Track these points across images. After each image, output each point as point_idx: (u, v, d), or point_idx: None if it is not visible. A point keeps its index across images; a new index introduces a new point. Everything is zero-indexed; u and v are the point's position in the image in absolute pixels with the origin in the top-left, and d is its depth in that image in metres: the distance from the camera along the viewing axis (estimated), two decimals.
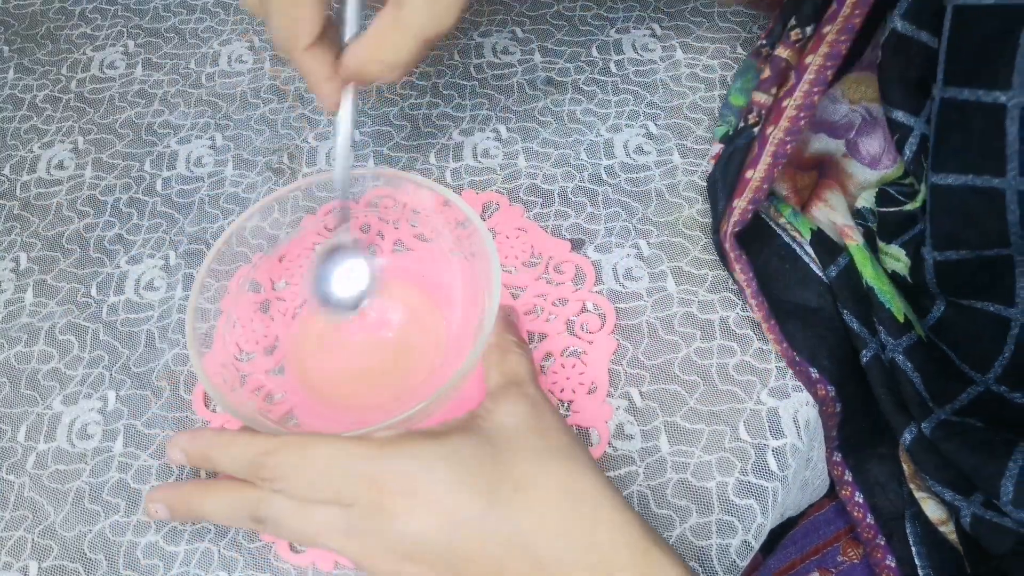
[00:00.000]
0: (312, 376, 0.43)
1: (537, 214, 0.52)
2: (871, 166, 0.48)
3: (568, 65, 0.60)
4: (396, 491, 0.32)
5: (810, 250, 0.47)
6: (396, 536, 0.32)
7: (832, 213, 0.48)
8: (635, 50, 0.61)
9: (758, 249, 0.48)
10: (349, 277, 0.41)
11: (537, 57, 0.61)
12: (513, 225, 0.51)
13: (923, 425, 0.41)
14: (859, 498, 0.46)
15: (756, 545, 0.41)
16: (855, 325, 0.44)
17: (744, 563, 0.40)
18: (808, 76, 0.43)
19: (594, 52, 0.61)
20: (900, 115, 0.43)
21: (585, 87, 0.59)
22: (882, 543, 0.44)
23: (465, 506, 0.32)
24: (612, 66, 0.60)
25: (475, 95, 0.59)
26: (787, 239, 0.48)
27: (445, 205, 0.41)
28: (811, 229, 0.47)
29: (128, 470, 0.43)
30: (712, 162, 0.51)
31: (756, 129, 0.47)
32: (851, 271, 0.46)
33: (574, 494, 0.32)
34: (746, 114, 0.48)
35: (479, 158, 0.55)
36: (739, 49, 0.60)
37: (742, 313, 0.47)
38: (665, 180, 0.53)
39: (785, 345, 0.44)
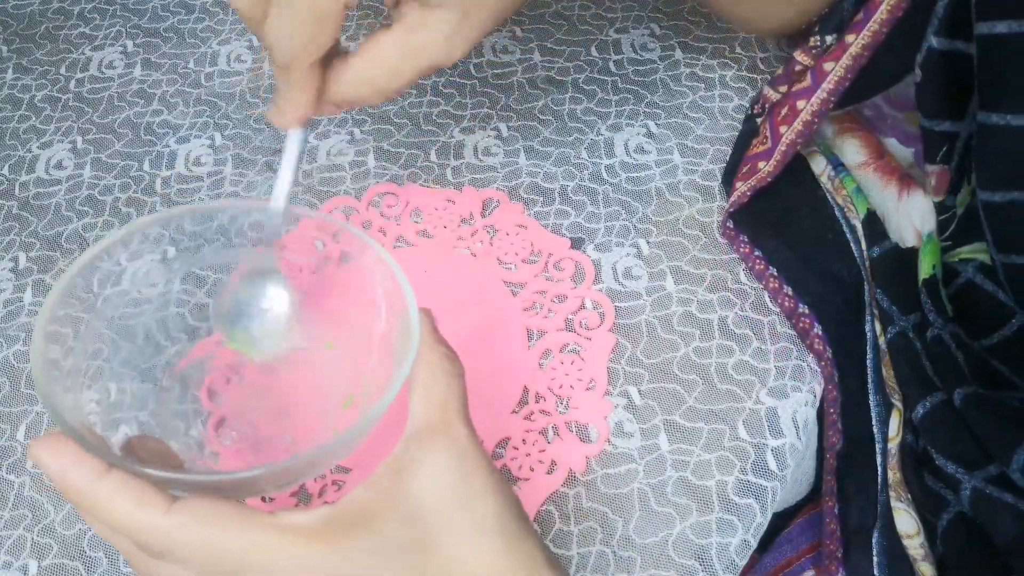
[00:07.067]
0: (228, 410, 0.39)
1: (537, 212, 0.52)
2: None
3: (568, 64, 0.60)
4: None
5: (858, 226, 0.48)
6: None
7: (909, 217, 0.48)
8: (634, 50, 0.61)
9: (806, 213, 0.49)
10: (269, 309, 0.37)
11: (536, 56, 0.61)
12: (513, 222, 0.51)
13: (956, 391, 0.41)
14: (837, 510, 0.44)
15: (755, 544, 0.41)
16: (885, 303, 0.45)
17: (743, 561, 0.41)
18: (827, 85, 0.45)
19: (593, 51, 0.61)
20: (947, 125, 0.43)
21: (585, 86, 0.59)
22: (839, 555, 0.43)
23: None
24: (611, 66, 0.60)
25: (475, 94, 0.59)
26: (839, 215, 0.49)
27: (334, 237, 0.37)
28: (867, 209, 0.48)
29: None
30: None
31: (759, 120, 0.50)
32: (896, 256, 0.46)
33: None
34: (752, 104, 0.51)
35: (480, 156, 0.55)
36: (738, 49, 0.60)
37: (741, 313, 0.47)
38: (665, 179, 0.53)
39: (788, 291, 0.45)
